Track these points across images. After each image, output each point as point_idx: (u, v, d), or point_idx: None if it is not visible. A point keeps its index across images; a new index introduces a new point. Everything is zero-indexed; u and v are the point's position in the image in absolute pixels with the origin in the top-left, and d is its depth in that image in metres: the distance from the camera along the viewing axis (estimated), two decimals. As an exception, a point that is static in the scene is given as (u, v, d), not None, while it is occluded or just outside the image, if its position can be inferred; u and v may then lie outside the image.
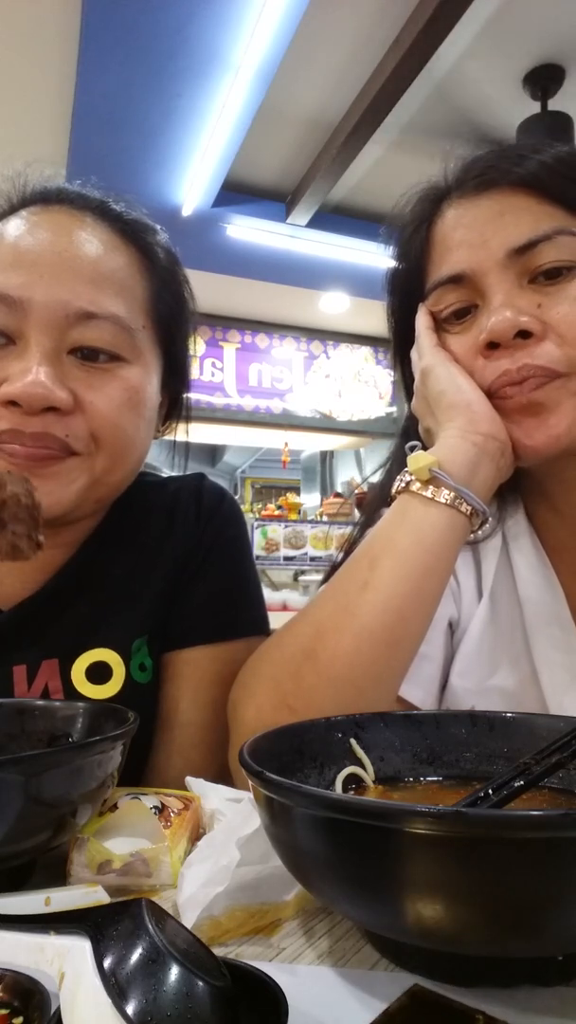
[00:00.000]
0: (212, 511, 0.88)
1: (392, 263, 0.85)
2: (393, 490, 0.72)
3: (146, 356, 0.75)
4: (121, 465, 0.74)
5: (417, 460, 0.70)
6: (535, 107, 3.19)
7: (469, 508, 0.69)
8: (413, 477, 0.70)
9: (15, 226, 0.72)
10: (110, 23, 2.68)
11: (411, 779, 0.54)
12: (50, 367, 0.67)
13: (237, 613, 0.85)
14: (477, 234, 0.72)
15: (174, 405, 0.86)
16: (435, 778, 0.54)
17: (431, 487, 0.69)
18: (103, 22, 2.68)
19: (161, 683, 0.82)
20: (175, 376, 0.83)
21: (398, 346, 0.87)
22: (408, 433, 0.85)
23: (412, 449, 0.72)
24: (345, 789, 0.50)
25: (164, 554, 0.83)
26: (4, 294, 0.67)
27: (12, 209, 0.76)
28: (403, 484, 0.71)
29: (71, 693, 0.74)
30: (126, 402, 0.72)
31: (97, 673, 0.76)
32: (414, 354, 0.80)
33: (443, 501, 0.68)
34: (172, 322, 0.80)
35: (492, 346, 0.71)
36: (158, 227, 0.81)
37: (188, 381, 0.87)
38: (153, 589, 0.82)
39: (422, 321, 0.78)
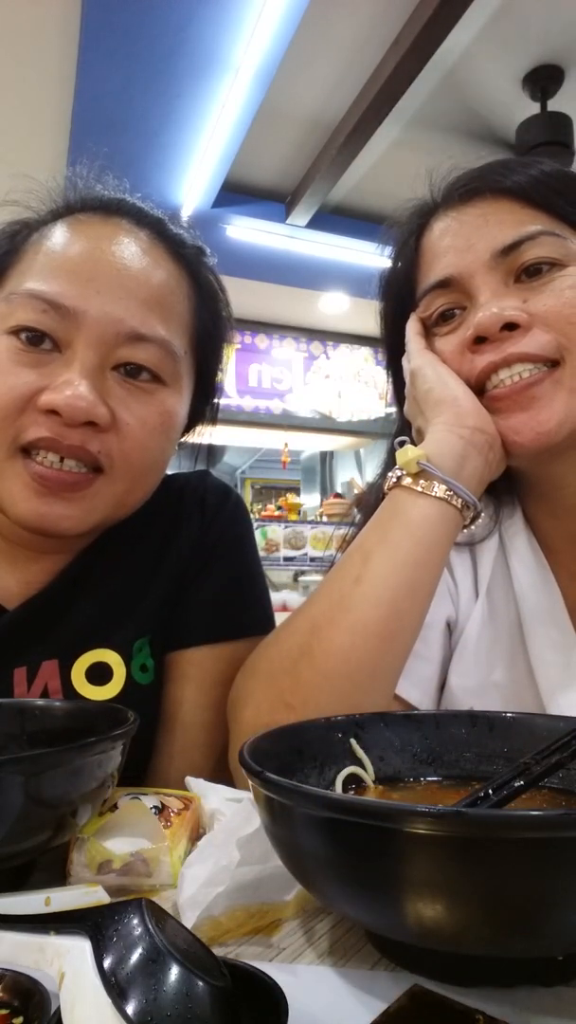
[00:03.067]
0: (217, 509, 0.87)
1: (384, 272, 0.86)
2: (385, 487, 0.73)
3: (182, 381, 0.76)
4: (142, 486, 0.75)
5: (405, 453, 0.71)
6: (535, 107, 3.19)
7: (460, 501, 0.69)
8: (403, 472, 0.71)
9: (74, 231, 0.73)
10: (110, 24, 2.68)
11: (411, 779, 0.53)
12: (93, 382, 0.68)
13: (242, 612, 0.85)
14: (463, 239, 0.74)
15: (191, 425, 0.86)
16: (435, 778, 0.54)
17: (421, 481, 0.70)
18: (103, 23, 2.68)
19: (164, 683, 0.81)
20: (203, 399, 0.84)
21: (390, 355, 0.88)
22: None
23: (401, 444, 0.73)
24: (345, 789, 0.50)
25: (168, 554, 0.83)
26: (59, 303, 0.68)
27: (69, 210, 0.76)
28: (394, 480, 0.72)
29: (71, 694, 0.74)
30: (159, 426, 0.73)
31: (97, 674, 0.76)
32: (404, 361, 0.81)
33: (433, 494, 0.69)
34: (210, 349, 0.81)
35: (479, 341, 0.72)
36: (207, 250, 0.82)
37: (215, 406, 0.88)
38: (156, 590, 0.81)
39: (412, 327, 0.80)
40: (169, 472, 0.92)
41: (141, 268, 0.72)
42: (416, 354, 0.77)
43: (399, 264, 0.84)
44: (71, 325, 0.68)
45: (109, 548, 0.81)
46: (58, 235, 0.73)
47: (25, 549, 0.77)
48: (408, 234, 0.82)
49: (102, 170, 0.81)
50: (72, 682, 0.75)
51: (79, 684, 0.75)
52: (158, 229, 0.77)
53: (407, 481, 0.70)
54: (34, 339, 0.68)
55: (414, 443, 0.75)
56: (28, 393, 0.67)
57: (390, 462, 0.85)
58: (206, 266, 0.81)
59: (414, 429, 0.79)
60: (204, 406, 0.86)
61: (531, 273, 0.72)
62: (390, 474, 0.73)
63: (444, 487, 0.69)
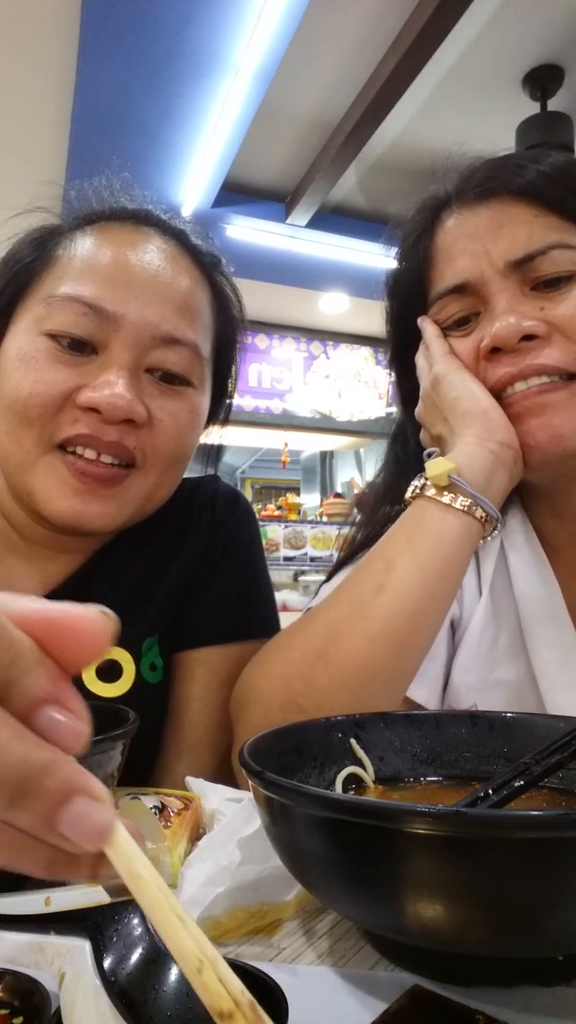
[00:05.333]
0: (226, 513, 0.89)
1: (393, 269, 0.85)
2: (408, 494, 0.72)
3: (206, 383, 0.80)
4: (171, 481, 0.78)
5: (436, 466, 0.70)
6: (535, 107, 3.18)
7: (484, 515, 0.69)
8: (429, 482, 0.70)
9: (108, 239, 0.75)
10: (110, 24, 2.68)
11: (411, 779, 0.54)
12: (130, 381, 0.71)
13: (249, 614, 0.86)
14: (479, 244, 0.73)
15: (206, 424, 0.88)
16: (435, 778, 0.54)
17: (447, 493, 0.69)
18: (103, 23, 2.68)
19: (172, 683, 0.83)
20: (217, 399, 0.87)
21: (396, 351, 0.87)
22: (402, 437, 0.85)
23: (430, 455, 0.72)
24: (345, 789, 0.50)
25: (178, 555, 0.85)
26: (99, 307, 0.71)
27: (98, 218, 0.78)
28: (417, 489, 0.71)
29: (80, 691, 0.75)
30: (189, 423, 0.76)
31: (107, 671, 0.77)
32: (420, 360, 0.80)
33: (460, 507, 0.68)
34: (225, 351, 0.85)
35: (495, 350, 0.71)
36: (223, 258, 0.85)
37: (228, 406, 0.91)
38: (166, 589, 0.83)
39: (431, 329, 0.79)
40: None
41: (172, 275, 0.75)
42: (440, 359, 0.76)
43: (409, 260, 0.82)
44: (109, 327, 0.71)
45: (122, 549, 0.83)
46: (92, 242, 0.75)
47: (45, 549, 0.79)
48: (420, 229, 0.81)
49: (127, 182, 0.84)
50: (83, 678, 0.76)
51: (89, 681, 0.76)
52: (181, 239, 0.80)
53: (431, 492, 0.70)
54: (74, 345, 0.71)
55: (422, 448, 0.75)
56: (67, 390, 0.70)
57: (391, 462, 0.85)
58: (223, 272, 0.84)
59: (427, 433, 0.78)
60: (218, 406, 0.88)
61: (548, 284, 0.71)
62: (414, 483, 0.72)
63: (470, 501, 0.68)
